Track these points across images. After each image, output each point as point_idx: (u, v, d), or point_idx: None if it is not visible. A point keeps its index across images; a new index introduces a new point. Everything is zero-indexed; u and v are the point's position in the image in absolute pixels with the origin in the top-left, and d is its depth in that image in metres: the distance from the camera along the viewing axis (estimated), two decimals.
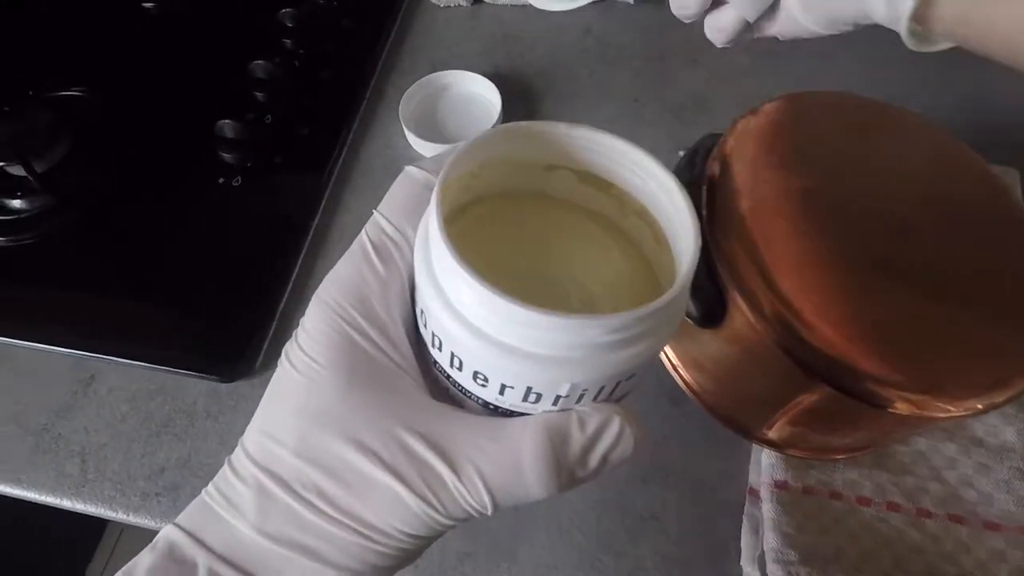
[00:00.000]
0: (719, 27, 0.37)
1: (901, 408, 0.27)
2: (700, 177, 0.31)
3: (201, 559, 0.18)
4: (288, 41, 0.51)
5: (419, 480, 0.17)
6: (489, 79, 0.48)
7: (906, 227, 0.30)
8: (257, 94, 0.48)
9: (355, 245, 0.20)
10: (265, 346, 0.39)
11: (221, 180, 0.45)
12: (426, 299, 0.18)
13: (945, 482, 0.33)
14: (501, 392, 0.18)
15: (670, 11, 0.42)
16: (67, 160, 0.46)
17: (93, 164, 0.47)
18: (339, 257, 0.20)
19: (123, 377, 0.39)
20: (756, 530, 0.32)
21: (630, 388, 0.19)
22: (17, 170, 0.45)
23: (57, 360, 0.40)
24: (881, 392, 0.27)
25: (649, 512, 0.34)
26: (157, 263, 0.43)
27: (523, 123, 0.19)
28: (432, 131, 0.47)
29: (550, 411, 0.18)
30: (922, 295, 0.28)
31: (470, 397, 0.19)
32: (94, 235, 0.45)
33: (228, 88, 0.48)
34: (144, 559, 0.18)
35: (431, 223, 0.17)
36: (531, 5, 0.53)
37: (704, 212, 0.30)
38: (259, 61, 0.48)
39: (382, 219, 0.20)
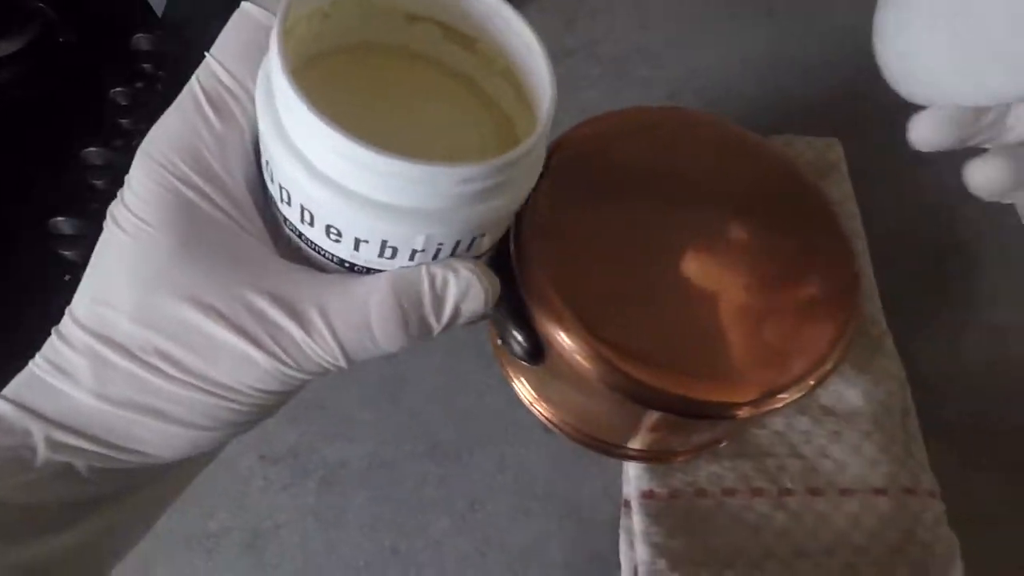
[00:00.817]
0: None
1: (741, 413, 0.29)
2: None
3: (36, 427, 0.17)
4: (125, 121, 0.50)
5: (268, 339, 0.16)
6: None
7: (714, 239, 0.31)
8: (96, 183, 0.47)
9: (185, 95, 0.18)
10: None
11: (68, 278, 0.44)
12: (271, 149, 0.16)
13: (803, 456, 0.35)
14: (356, 247, 0.17)
15: None
16: None
17: None
18: None
19: None
20: (632, 543, 0.33)
21: (488, 245, 0.19)
22: None
23: None
24: (715, 410, 0.28)
25: (533, 544, 0.35)
26: None
27: None
28: None
29: (405, 267, 0.18)
30: (736, 302, 0.30)
31: (324, 255, 0.18)
32: None
33: (61, 181, 0.47)
34: None
35: (272, 59, 0.15)
36: None
37: (512, 248, 0.30)
38: (91, 149, 0.47)
39: (217, 66, 0.18)
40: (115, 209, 0.18)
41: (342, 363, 0.17)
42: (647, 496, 0.33)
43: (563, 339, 0.28)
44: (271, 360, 0.17)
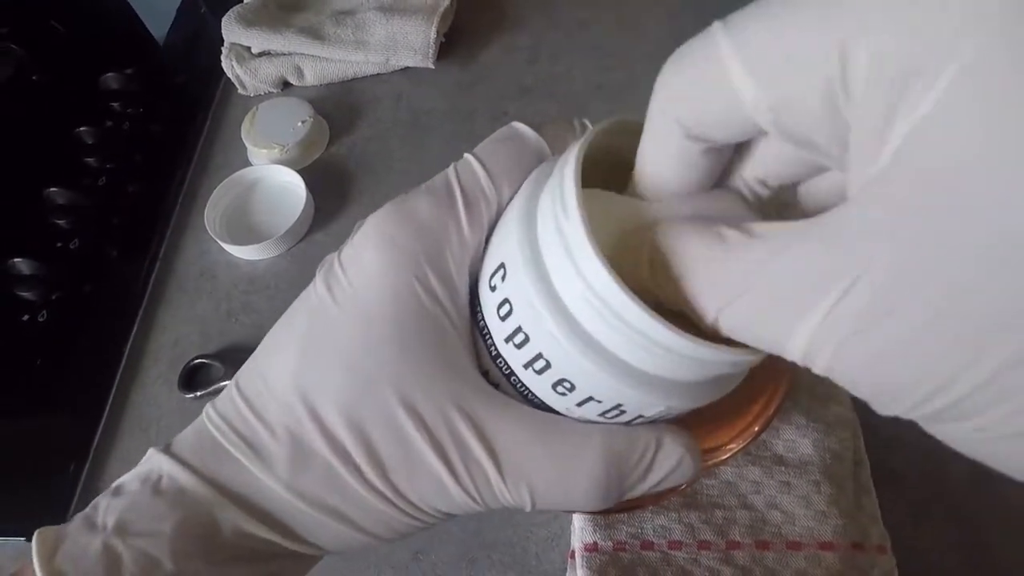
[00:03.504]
0: None
1: None
2: None
3: (225, 510, 0.16)
4: (91, 160, 0.50)
5: (465, 474, 0.16)
6: (305, 165, 0.49)
7: None
8: (59, 222, 0.47)
9: (441, 185, 0.17)
10: (78, 490, 0.38)
11: (26, 318, 0.44)
12: (528, 291, 0.15)
13: (753, 508, 0.34)
14: (581, 404, 0.16)
15: (472, 68, 0.40)
16: None
17: None
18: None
19: None
20: None
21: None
22: None
23: None
24: None
25: None
26: None
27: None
28: (244, 231, 0.47)
29: (614, 424, 0.16)
30: None
31: (527, 395, 0.17)
32: None
33: (22, 220, 0.47)
34: (147, 502, 0.16)
35: (567, 205, 0.14)
36: (337, 83, 0.54)
37: None
38: (54, 188, 0.47)
39: (478, 167, 0.17)
40: (332, 282, 0.17)
41: (527, 509, 0.17)
42: (590, 549, 0.33)
43: None
44: (463, 494, 0.16)
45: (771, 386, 0.30)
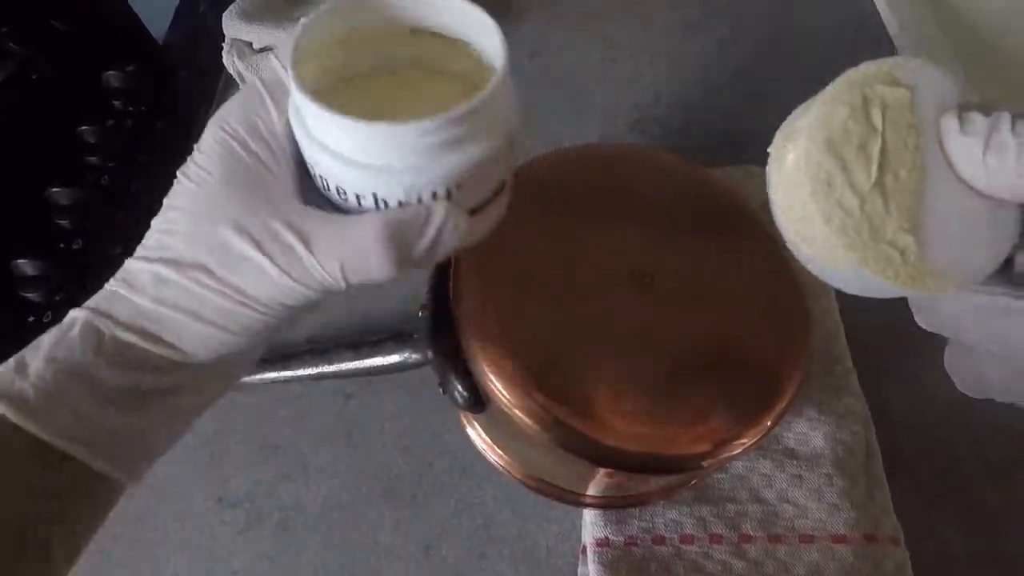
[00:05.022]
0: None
1: (698, 464, 0.28)
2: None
3: (104, 325, 0.21)
4: (93, 159, 0.50)
5: (280, 255, 0.21)
6: None
7: (663, 280, 0.30)
8: (61, 222, 0.47)
9: (250, 81, 0.22)
10: None
11: (31, 319, 0.44)
12: (299, 137, 0.21)
13: (764, 501, 0.34)
14: (358, 203, 0.21)
15: None
16: None
17: None
18: None
19: None
20: None
21: (474, 200, 0.22)
22: None
23: None
24: (671, 464, 0.28)
25: None
26: None
27: None
28: None
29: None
30: (686, 346, 0.29)
31: (334, 205, 0.22)
32: None
33: (25, 221, 0.47)
34: (48, 335, 0.21)
35: (285, 62, 0.20)
36: None
37: (451, 289, 0.30)
38: (56, 188, 0.47)
39: (278, 65, 0.23)
40: (184, 168, 0.22)
41: (340, 283, 0.21)
42: (602, 544, 0.32)
43: (502, 392, 0.27)
44: (281, 274, 0.21)
45: (783, 380, 0.30)
